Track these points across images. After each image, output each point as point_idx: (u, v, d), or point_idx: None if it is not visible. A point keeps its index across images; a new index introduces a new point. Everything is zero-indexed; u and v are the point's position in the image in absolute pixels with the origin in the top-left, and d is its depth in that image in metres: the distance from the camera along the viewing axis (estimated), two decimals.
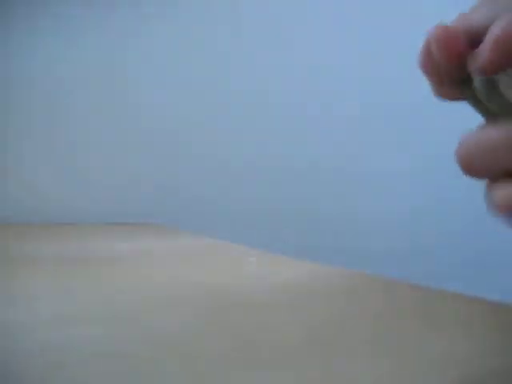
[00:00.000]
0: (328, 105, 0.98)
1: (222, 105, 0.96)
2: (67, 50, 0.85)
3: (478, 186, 0.29)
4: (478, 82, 0.30)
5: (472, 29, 0.30)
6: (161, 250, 0.51)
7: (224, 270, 0.39)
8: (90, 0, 0.85)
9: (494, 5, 0.30)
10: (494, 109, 0.30)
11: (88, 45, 0.86)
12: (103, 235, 0.65)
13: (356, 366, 0.18)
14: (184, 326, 0.23)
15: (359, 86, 0.99)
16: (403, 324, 0.25)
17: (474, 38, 0.30)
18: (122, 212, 0.89)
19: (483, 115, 0.30)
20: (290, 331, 0.23)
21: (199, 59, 0.93)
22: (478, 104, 0.30)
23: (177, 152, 0.93)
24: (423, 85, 0.34)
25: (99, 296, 0.28)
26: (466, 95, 0.31)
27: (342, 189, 1.03)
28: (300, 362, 0.19)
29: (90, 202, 0.87)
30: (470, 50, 0.30)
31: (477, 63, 0.29)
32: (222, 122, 0.97)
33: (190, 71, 0.93)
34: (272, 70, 0.95)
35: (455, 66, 0.30)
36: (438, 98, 0.32)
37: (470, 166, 0.26)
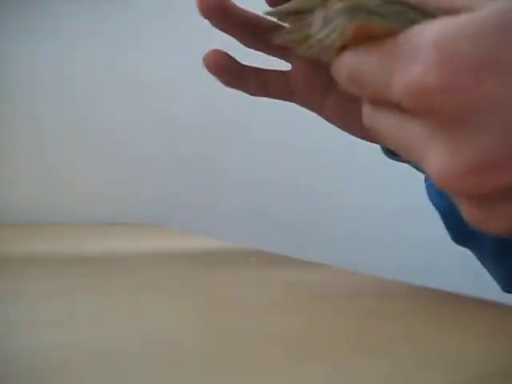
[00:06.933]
0: None
1: (222, 104, 0.96)
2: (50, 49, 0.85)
3: None
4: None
5: None
6: (161, 249, 0.51)
7: (224, 270, 0.39)
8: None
9: None
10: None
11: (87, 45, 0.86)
12: (103, 235, 0.65)
13: (359, 365, 0.18)
14: (184, 326, 0.23)
15: None
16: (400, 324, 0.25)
17: None
18: (122, 212, 0.89)
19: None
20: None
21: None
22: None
23: (178, 151, 0.93)
24: None
25: (99, 296, 0.28)
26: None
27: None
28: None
29: (90, 201, 0.87)
30: None
31: None
32: (223, 121, 0.97)
33: (188, 69, 0.93)
34: None
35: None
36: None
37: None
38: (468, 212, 0.22)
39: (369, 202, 1.05)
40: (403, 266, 1.00)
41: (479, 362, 0.20)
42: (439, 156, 0.21)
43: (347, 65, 0.24)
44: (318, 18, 0.26)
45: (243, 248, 0.55)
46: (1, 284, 0.30)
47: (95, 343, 0.20)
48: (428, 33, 0.20)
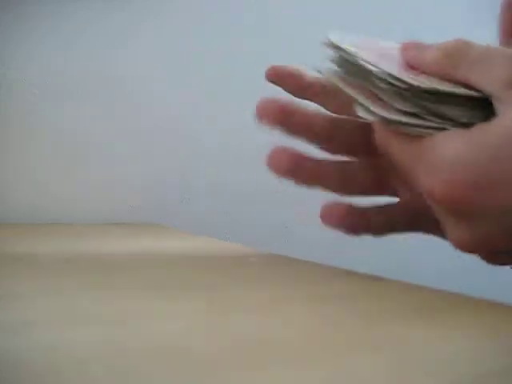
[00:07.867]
0: None
1: (222, 105, 0.96)
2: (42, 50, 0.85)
3: None
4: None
5: None
6: (161, 249, 0.51)
7: (224, 270, 0.39)
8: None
9: None
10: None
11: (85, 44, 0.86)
12: (103, 235, 0.65)
13: (359, 365, 0.18)
14: (184, 326, 0.23)
15: None
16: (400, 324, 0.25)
17: None
18: (122, 212, 0.89)
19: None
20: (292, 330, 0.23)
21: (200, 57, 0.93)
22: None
23: (178, 151, 0.93)
24: None
25: (99, 296, 0.28)
26: None
27: None
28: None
29: (90, 201, 0.87)
30: None
31: None
32: (223, 121, 0.97)
33: (189, 69, 0.93)
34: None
35: None
36: None
37: None
38: (479, 257, 0.32)
39: (368, 202, 1.05)
40: (403, 266, 1.00)
41: (479, 362, 0.20)
42: (452, 230, 0.31)
43: (393, 148, 0.33)
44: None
45: (243, 248, 0.55)
46: (0, 284, 0.30)
47: (95, 343, 0.20)
48: (444, 151, 0.29)
